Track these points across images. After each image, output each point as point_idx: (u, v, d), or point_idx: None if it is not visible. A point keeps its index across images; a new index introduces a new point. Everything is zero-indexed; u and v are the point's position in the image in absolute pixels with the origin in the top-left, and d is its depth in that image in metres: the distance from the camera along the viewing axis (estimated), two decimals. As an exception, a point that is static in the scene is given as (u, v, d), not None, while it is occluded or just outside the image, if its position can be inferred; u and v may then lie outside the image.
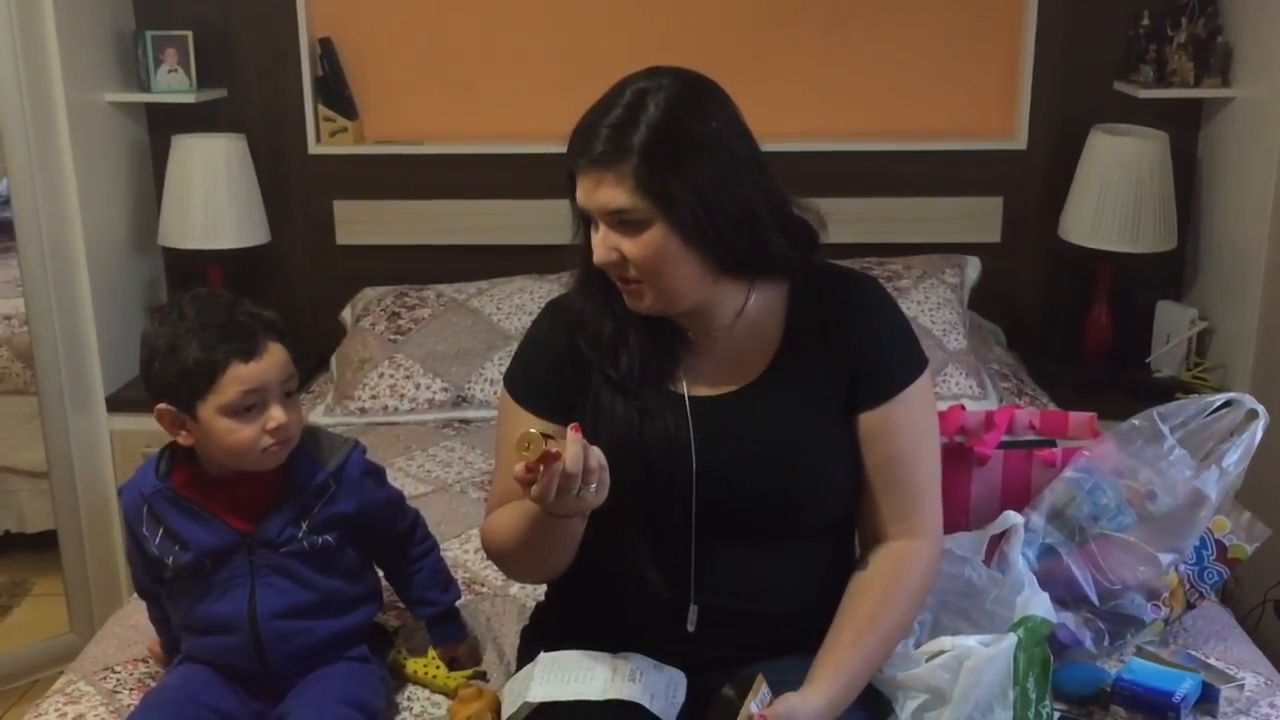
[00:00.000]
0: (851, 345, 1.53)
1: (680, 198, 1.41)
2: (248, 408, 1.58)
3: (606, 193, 1.42)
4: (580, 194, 1.45)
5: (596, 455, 1.35)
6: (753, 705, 1.36)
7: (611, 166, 1.41)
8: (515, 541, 1.51)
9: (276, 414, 1.59)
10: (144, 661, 1.83)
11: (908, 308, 2.30)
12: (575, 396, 1.54)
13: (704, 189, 1.42)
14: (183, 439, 1.63)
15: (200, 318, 1.59)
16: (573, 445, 1.32)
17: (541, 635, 1.65)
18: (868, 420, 1.53)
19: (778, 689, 1.40)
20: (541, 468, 1.32)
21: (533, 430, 1.33)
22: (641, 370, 1.52)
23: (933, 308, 2.90)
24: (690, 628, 1.52)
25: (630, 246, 1.43)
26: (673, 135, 1.41)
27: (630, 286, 1.48)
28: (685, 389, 1.54)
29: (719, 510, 1.50)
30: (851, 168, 3.10)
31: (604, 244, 1.45)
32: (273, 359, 1.60)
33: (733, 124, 1.47)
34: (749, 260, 1.49)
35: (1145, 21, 3.01)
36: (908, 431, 1.54)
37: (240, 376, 1.57)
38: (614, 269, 1.46)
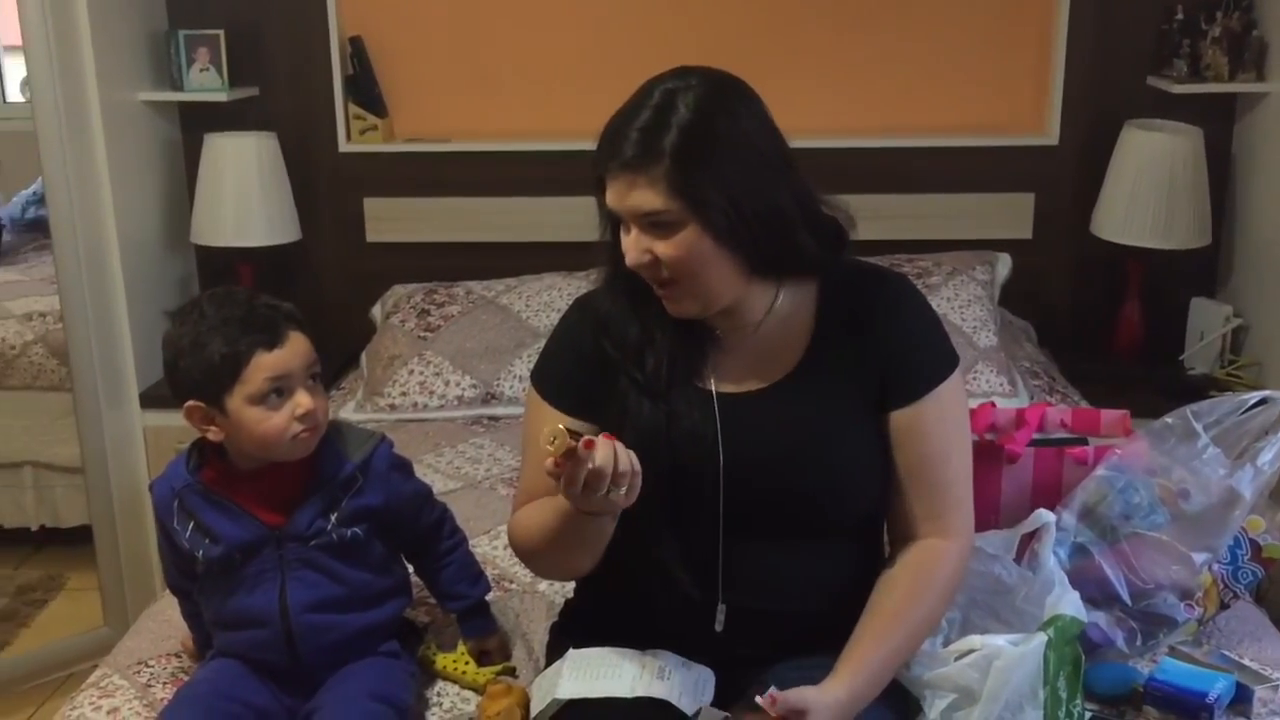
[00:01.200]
0: (881, 343, 1.52)
1: (712, 198, 1.40)
2: (275, 393, 1.60)
3: (638, 196, 1.41)
4: (611, 197, 1.45)
5: (629, 458, 1.35)
6: (758, 699, 1.36)
7: (643, 170, 1.40)
8: (543, 538, 1.51)
9: (304, 400, 1.61)
10: (177, 656, 1.85)
11: (937, 304, 2.29)
12: (602, 395, 1.54)
13: (735, 189, 1.41)
14: (212, 435, 1.65)
15: (220, 314, 1.61)
16: (604, 445, 1.32)
17: (571, 632, 1.65)
18: (898, 419, 1.52)
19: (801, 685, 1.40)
20: (569, 462, 1.32)
21: (560, 425, 1.33)
22: (669, 371, 1.52)
23: (963, 305, 2.88)
24: (718, 628, 1.52)
25: (664, 248, 1.43)
26: (703, 136, 1.40)
27: (666, 290, 1.48)
28: (714, 386, 1.54)
29: (747, 508, 1.50)
30: (881, 164, 3.09)
31: (636, 246, 1.44)
32: (295, 346, 1.62)
33: (762, 123, 1.46)
34: (779, 259, 1.49)
35: (1179, 15, 2.98)
36: (939, 430, 1.53)
37: (265, 365, 1.59)
38: (647, 271, 1.46)
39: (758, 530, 1.51)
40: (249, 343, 1.59)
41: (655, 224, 1.42)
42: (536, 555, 1.58)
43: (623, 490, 1.35)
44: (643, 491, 1.39)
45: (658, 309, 1.52)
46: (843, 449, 1.52)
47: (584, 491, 1.34)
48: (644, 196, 1.41)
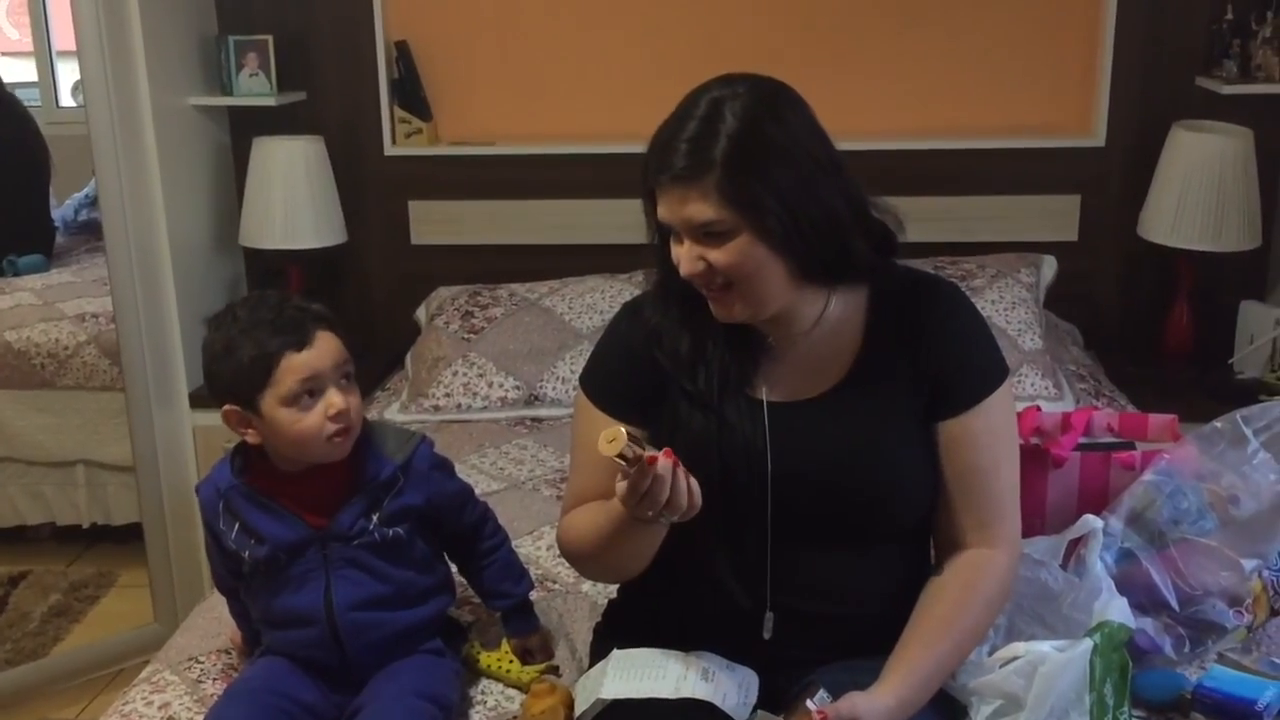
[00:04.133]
0: (932, 353, 1.52)
1: (765, 205, 1.40)
2: (307, 394, 1.62)
3: (691, 208, 1.42)
4: (663, 210, 1.45)
5: (693, 490, 1.38)
6: (809, 703, 1.36)
7: (694, 182, 1.40)
8: (593, 542, 1.52)
9: (335, 399, 1.63)
10: (227, 653, 1.88)
11: (982, 307, 2.27)
12: (653, 401, 1.55)
13: (787, 195, 1.41)
14: (250, 437, 1.67)
15: (252, 317, 1.64)
16: (665, 465, 1.35)
17: (614, 632, 1.66)
18: (948, 429, 1.52)
19: (846, 691, 1.40)
20: (635, 472, 1.34)
21: (620, 428, 1.34)
22: (720, 383, 1.52)
23: (1007, 307, 2.87)
24: (766, 635, 1.52)
25: (718, 255, 1.43)
26: (752, 144, 1.40)
27: (717, 295, 1.48)
28: (764, 395, 1.54)
29: (795, 516, 1.50)
30: (926, 166, 3.08)
31: (690, 256, 1.44)
32: (324, 346, 1.64)
33: (810, 127, 1.46)
34: (831, 264, 1.48)
35: (1229, 15, 2.95)
36: (988, 441, 1.52)
37: (295, 366, 1.61)
38: (701, 279, 1.46)
39: (806, 538, 1.50)
40: (278, 344, 1.61)
41: (709, 234, 1.43)
42: (586, 558, 1.58)
43: (676, 516, 1.38)
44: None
45: (708, 318, 1.52)
46: (892, 459, 1.51)
47: (641, 503, 1.36)
48: (697, 208, 1.41)
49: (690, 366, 1.54)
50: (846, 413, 1.52)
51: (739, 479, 1.49)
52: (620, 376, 1.59)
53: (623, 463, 1.34)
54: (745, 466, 1.50)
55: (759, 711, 1.47)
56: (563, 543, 1.62)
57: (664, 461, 1.35)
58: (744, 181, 1.39)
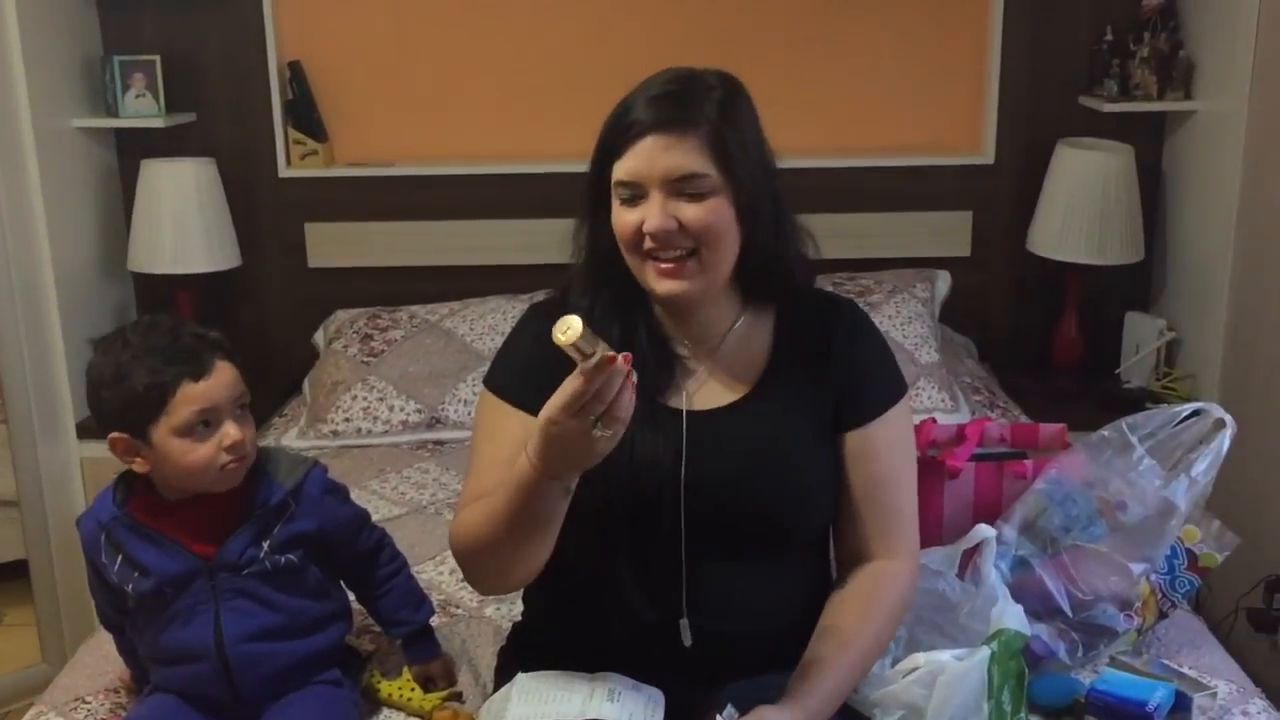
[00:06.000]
0: (838, 368, 1.55)
1: (740, 171, 1.44)
2: (203, 424, 1.58)
3: (677, 156, 1.42)
4: (634, 163, 1.43)
5: (630, 402, 1.28)
6: (719, 717, 1.36)
7: (686, 131, 1.42)
8: (490, 527, 1.42)
9: (232, 431, 1.59)
10: (115, 691, 1.82)
11: (880, 322, 2.32)
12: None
13: (755, 170, 1.46)
14: (138, 466, 1.62)
15: (145, 343, 1.59)
16: (622, 364, 1.26)
17: (518, 656, 1.64)
18: (852, 440, 1.54)
19: (754, 706, 1.40)
20: (593, 366, 1.23)
21: (576, 317, 1.24)
22: (648, 384, 1.48)
23: (904, 321, 2.92)
24: (686, 643, 1.50)
25: (694, 212, 1.43)
26: (734, 113, 1.45)
27: (671, 265, 1.45)
28: (683, 402, 1.53)
29: (707, 524, 1.49)
30: (821, 183, 3.11)
31: (663, 212, 1.42)
32: (221, 377, 1.60)
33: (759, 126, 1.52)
34: (766, 259, 1.51)
35: (1109, 36, 3.05)
36: (889, 452, 1.55)
37: (191, 396, 1.57)
38: (663, 241, 1.43)
39: (717, 548, 1.50)
40: (174, 374, 1.56)
41: (684, 190, 1.43)
42: (480, 555, 1.48)
43: (610, 432, 1.28)
44: (602, 505, 1.40)
45: (636, 310, 1.52)
46: (802, 466, 1.53)
47: (584, 408, 1.26)
48: (684, 157, 1.42)
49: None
50: (757, 421, 1.53)
51: (649, 485, 1.47)
52: (530, 369, 1.50)
53: (576, 354, 1.24)
54: (657, 472, 1.48)
55: None
56: (456, 541, 1.52)
57: (623, 364, 1.25)
58: (728, 141, 1.43)
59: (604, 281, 1.53)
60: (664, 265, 1.46)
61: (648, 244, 1.45)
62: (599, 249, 1.50)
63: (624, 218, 1.46)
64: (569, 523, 1.41)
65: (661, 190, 1.43)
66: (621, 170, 1.44)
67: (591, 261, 1.53)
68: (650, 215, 1.43)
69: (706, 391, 1.55)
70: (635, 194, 1.45)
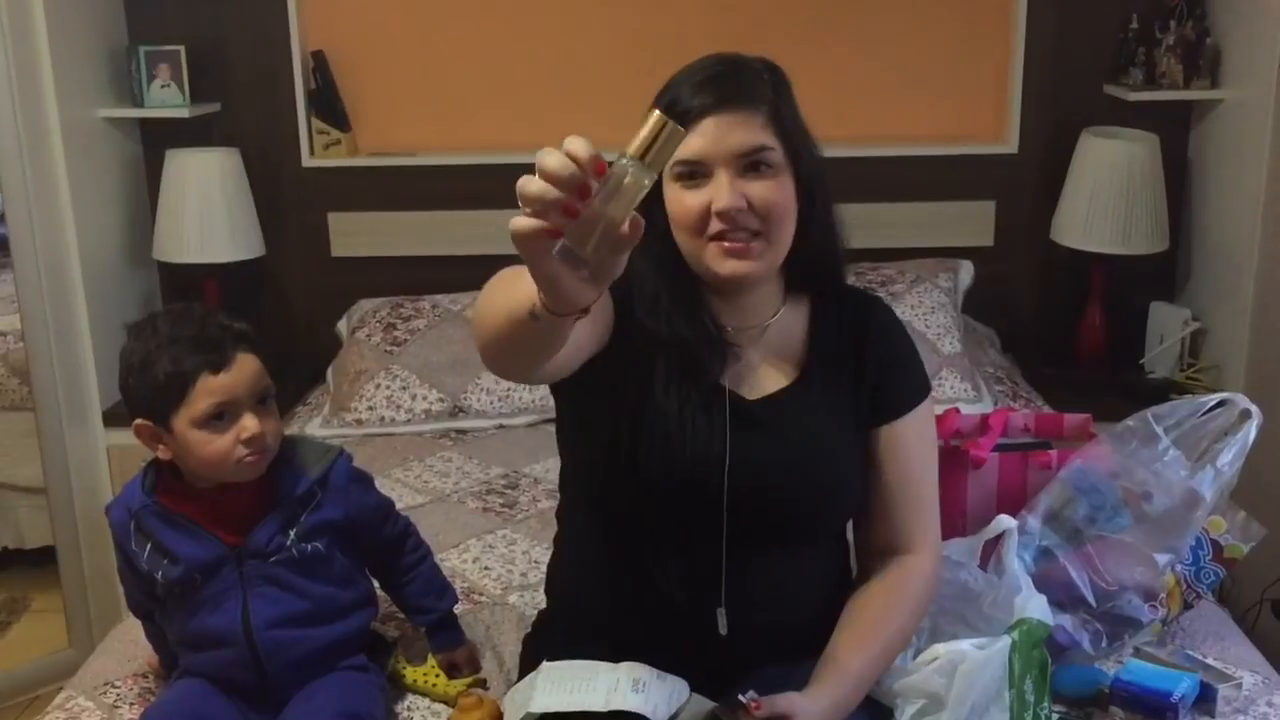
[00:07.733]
0: (872, 361, 1.56)
1: (803, 151, 1.46)
2: (219, 418, 1.59)
3: (745, 133, 1.42)
4: (704, 141, 1.41)
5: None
6: (741, 697, 1.36)
7: (752, 108, 1.43)
8: (493, 317, 1.32)
9: (250, 424, 1.60)
10: (144, 676, 1.84)
11: (902, 312, 2.31)
12: (620, 358, 1.44)
13: (814, 150, 1.50)
14: (162, 453, 1.64)
15: (172, 332, 1.59)
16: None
17: (543, 643, 1.64)
18: (883, 434, 1.56)
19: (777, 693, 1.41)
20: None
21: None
22: (695, 372, 1.48)
23: (927, 312, 2.91)
24: (723, 631, 1.50)
25: (763, 190, 1.42)
26: (788, 95, 1.49)
27: (737, 243, 1.43)
28: (726, 384, 1.52)
29: (748, 513, 1.49)
30: (844, 173, 3.04)
31: (731, 190, 1.41)
32: (243, 369, 1.60)
33: None
34: (819, 246, 1.52)
35: (1134, 25, 3.03)
36: (916, 448, 1.57)
37: (210, 388, 1.58)
38: (735, 220, 1.41)
39: (755, 535, 1.50)
40: (194, 364, 1.57)
41: (752, 167, 1.42)
42: (484, 339, 1.36)
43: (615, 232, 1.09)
44: (646, 490, 1.42)
45: (692, 296, 1.49)
46: (839, 458, 1.54)
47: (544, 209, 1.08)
48: (752, 134, 1.42)
49: (681, 346, 1.47)
50: (802, 410, 1.53)
51: (697, 473, 1.46)
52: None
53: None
54: (705, 461, 1.47)
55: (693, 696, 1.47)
56: (476, 309, 1.39)
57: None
58: (787, 119, 1.45)
59: (667, 268, 1.49)
60: (730, 245, 1.43)
61: (714, 226, 1.43)
62: (650, 233, 1.46)
63: (686, 201, 1.44)
64: (610, 507, 1.44)
65: (729, 169, 1.42)
66: (684, 149, 1.40)
67: (657, 245, 1.45)
68: (719, 194, 1.41)
69: (753, 378, 1.55)
70: (697, 173, 1.43)
